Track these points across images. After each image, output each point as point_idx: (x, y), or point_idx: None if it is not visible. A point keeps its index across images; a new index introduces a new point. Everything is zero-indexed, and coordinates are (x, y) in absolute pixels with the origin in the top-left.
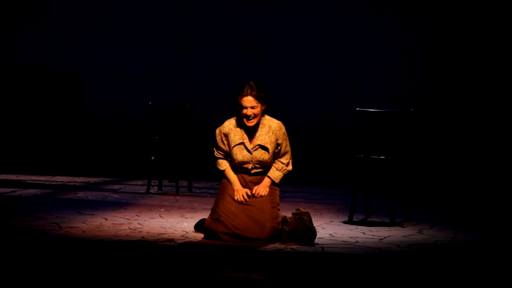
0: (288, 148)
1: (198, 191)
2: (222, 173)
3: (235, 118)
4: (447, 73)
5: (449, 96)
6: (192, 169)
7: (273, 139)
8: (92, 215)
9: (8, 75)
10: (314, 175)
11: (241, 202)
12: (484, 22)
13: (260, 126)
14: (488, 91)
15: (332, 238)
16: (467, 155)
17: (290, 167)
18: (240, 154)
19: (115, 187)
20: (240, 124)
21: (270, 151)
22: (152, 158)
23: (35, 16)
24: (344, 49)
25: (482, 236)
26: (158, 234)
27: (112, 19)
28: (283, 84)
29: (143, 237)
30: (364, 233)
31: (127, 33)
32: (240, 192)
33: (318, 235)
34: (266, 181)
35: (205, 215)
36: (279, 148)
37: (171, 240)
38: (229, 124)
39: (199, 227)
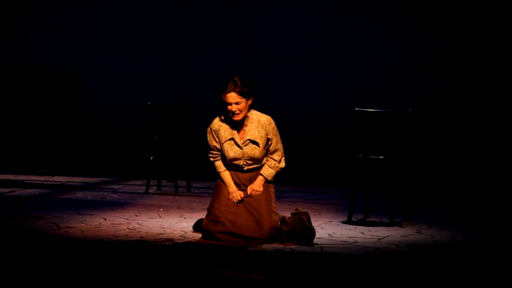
0: (280, 145)
1: (197, 191)
2: (218, 175)
3: (222, 116)
4: (447, 73)
5: (449, 96)
6: (191, 169)
7: (262, 133)
8: (91, 215)
9: (7, 75)
10: (313, 175)
11: (238, 202)
12: (484, 22)
13: (249, 121)
14: (488, 91)
15: (331, 238)
16: (466, 155)
17: (282, 164)
18: (231, 150)
19: (114, 187)
20: (229, 120)
21: (261, 146)
22: (151, 158)
23: (35, 16)
24: (344, 49)
25: (481, 236)
26: (157, 234)
27: (111, 19)
28: (283, 84)
29: (142, 237)
30: (363, 233)
31: (127, 33)
32: (235, 193)
33: (317, 235)
34: (260, 179)
35: (204, 215)
36: (269, 143)
37: (170, 240)
38: (218, 121)
39: (197, 227)
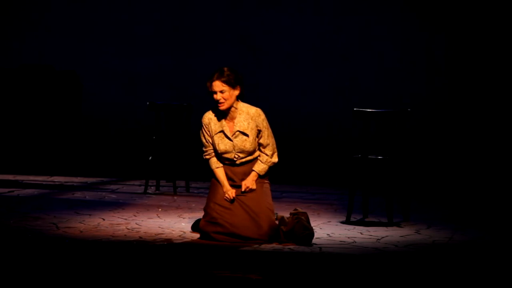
0: (271, 138)
1: (195, 191)
2: (213, 172)
3: (213, 108)
4: (447, 73)
5: (449, 96)
6: (189, 169)
7: (252, 125)
8: (89, 215)
9: (6, 75)
10: (312, 175)
11: (232, 201)
12: (484, 22)
13: (239, 113)
14: (488, 91)
15: (330, 238)
16: (466, 155)
17: (274, 159)
18: (221, 143)
19: (113, 187)
20: (218, 113)
21: (251, 137)
22: (150, 158)
23: (34, 16)
24: (344, 49)
25: (479, 236)
26: (155, 234)
27: (110, 19)
28: (283, 84)
29: (140, 237)
30: (361, 233)
31: (126, 33)
32: (228, 192)
33: (315, 235)
34: (252, 175)
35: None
36: (260, 135)
37: (168, 240)
38: (208, 115)
39: (196, 227)
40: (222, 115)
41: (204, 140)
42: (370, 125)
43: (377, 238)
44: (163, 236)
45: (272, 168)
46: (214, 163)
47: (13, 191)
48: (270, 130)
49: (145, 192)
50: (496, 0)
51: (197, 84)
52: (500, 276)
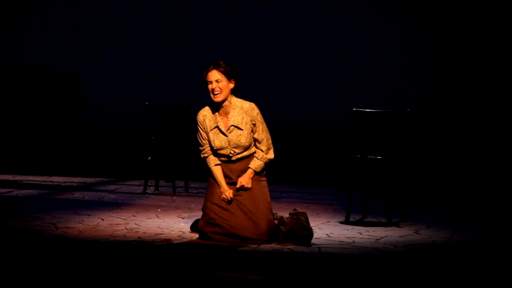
0: (266, 134)
1: (195, 191)
2: (210, 171)
3: (207, 106)
4: (447, 73)
5: (448, 96)
6: (189, 169)
7: (246, 120)
8: (88, 215)
9: (5, 75)
10: (311, 175)
11: (229, 201)
12: (484, 22)
13: (232, 107)
14: (487, 91)
15: (329, 238)
16: (465, 155)
17: (270, 155)
18: (217, 139)
19: (112, 187)
20: (213, 109)
21: (245, 131)
22: (149, 158)
23: (33, 16)
24: (344, 49)
25: (479, 236)
26: (154, 234)
27: (110, 19)
28: (282, 84)
29: (139, 237)
30: (360, 233)
31: (126, 33)
32: (225, 193)
33: (314, 235)
34: (248, 173)
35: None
36: (255, 130)
37: (167, 240)
38: (203, 112)
39: (195, 227)
40: (216, 111)
41: (200, 138)
42: (369, 125)
43: (376, 238)
44: (162, 236)
45: (269, 165)
46: (212, 161)
47: (12, 191)
48: (264, 125)
49: (144, 192)
50: (496, 0)
51: (197, 84)
52: (499, 276)
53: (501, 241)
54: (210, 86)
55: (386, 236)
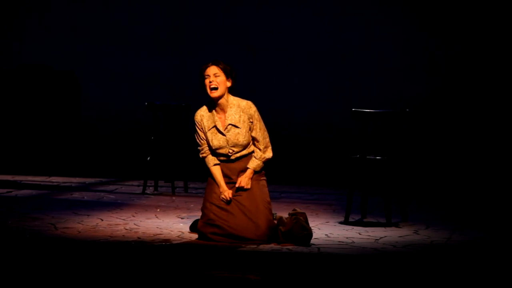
0: (263, 132)
1: (194, 192)
2: (209, 171)
3: (204, 106)
4: (447, 73)
5: (448, 96)
6: (188, 169)
7: (244, 118)
8: (88, 215)
9: (5, 75)
10: (311, 175)
11: (228, 202)
12: (484, 22)
13: (230, 106)
14: (487, 91)
15: (328, 238)
16: (465, 155)
17: (268, 155)
18: (215, 139)
19: (111, 187)
20: (210, 109)
21: (243, 129)
22: (148, 158)
23: (33, 16)
24: (344, 49)
25: (478, 236)
26: (154, 235)
27: (109, 19)
28: (282, 84)
29: (139, 238)
30: (360, 234)
31: (125, 33)
32: (224, 193)
33: (314, 236)
34: (248, 172)
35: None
36: (252, 128)
37: (167, 240)
38: (200, 112)
39: (194, 227)
40: (213, 110)
41: (198, 139)
42: (368, 125)
43: (376, 238)
44: (162, 237)
45: (269, 165)
46: (211, 161)
47: (11, 192)
48: (262, 123)
49: (143, 193)
50: (496, 0)
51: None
52: (499, 276)
53: (500, 241)
54: (207, 80)
55: (386, 236)
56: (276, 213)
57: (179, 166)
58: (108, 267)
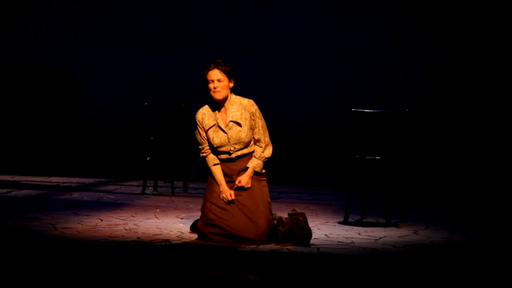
0: (264, 131)
1: (193, 192)
2: (209, 170)
3: (206, 105)
4: (447, 73)
5: (448, 96)
6: (187, 169)
7: (245, 115)
8: (87, 215)
9: (4, 75)
10: (310, 176)
11: (230, 202)
12: (484, 22)
13: (231, 104)
14: (487, 91)
15: (328, 238)
16: (465, 155)
17: (267, 153)
18: (216, 137)
19: (111, 187)
20: (212, 107)
21: (244, 127)
22: (148, 158)
23: (33, 16)
24: (344, 49)
25: (477, 236)
26: (153, 235)
27: (109, 19)
28: (282, 84)
29: (138, 238)
30: (359, 234)
31: (125, 33)
32: (225, 193)
33: (313, 236)
34: (248, 172)
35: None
36: (254, 126)
37: (166, 240)
38: (202, 110)
39: (194, 228)
40: (215, 109)
41: (199, 138)
42: (368, 125)
43: (375, 238)
44: (161, 237)
45: (268, 165)
46: (211, 160)
47: (11, 192)
48: (263, 121)
49: (143, 193)
50: (496, 0)
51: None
52: (498, 277)
53: (500, 241)
54: (211, 85)
55: (385, 236)
56: (276, 214)
57: (178, 166)
58: (108, 267)
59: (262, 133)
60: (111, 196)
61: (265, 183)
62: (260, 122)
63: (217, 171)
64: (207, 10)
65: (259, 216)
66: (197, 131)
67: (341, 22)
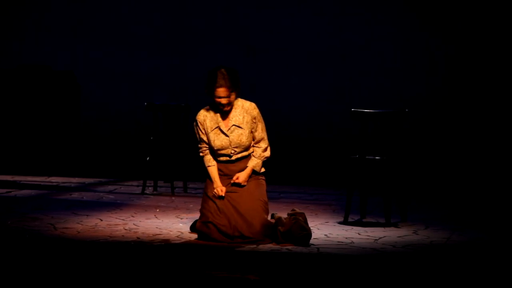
0: (265, 133)
1: (193, 192)
2: (206, 170)
3: (208, 105)
4: (447, 73)
5: (448, 96)
6: (187, 169)
7: (247, 119)
8: (87, 215)
9: (4, 75)
10: (310, 176)
11: (221, 197)
12: (484, 22)
13: (234, 107)
14: (487, 91)
15: (328, 238)
16: (465, 155)
17: (267, 154)
18: (217, 140)
19: (110, 187)
20: (214, 110)
21: (246, 131)
22: (148, 158)
23: (33, 16)
24: (344, 49)
25: (477, 236)
26: (153, 235)
27: (109, 19)
28: (282, 84)
29: (138, 238)
30: (359, 234)
31: (125, 33)
32: (218, 188)
33: (313, 236)
34: (247, 170)
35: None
36: (254, 128)
37: (166, 240)
38: (204, 112)
39: (194, 227)
40: (217, 111)
41: (198, 138)
42: (368, 125)
43: (375, 238)
44: (161, 237)
45: (268, 165)
46: (208, 160)
47: (10, 192)
48: (263, 123)
49: (142, 193)
50: (496, 0)
51: (195, 84)
52: (498, 277)
53: (500, 241)
54: (218, 100)
55: (385, 236)
56: (275, 213)
57: (178, 166)
58: (108, 267)
59: (263, 135)
60: (111, 196)
61: (263, 182)
62: (260, 125)
63: (213, 171)
64: (207, 10)
65: (253, 215)
66: (196, 131)
67: (341, 22)
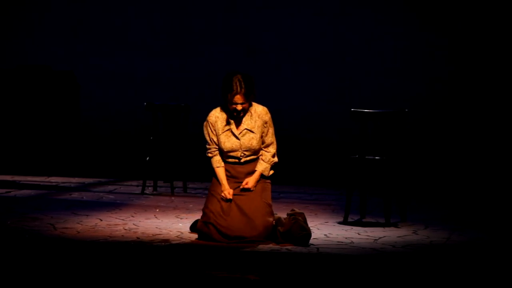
0: (274, 138)
1: (193, 192)
2: (214, 171)
3: (220, 107)
4: (447, 73)
5: (448, 97)
6: (187, 169)
7: (259, 123)
8: (87, 215)
9: (3, 75)
10: (310, 176)
11: (228, 200)
12: (484, 23)
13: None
14: (488, 91)
15: (327, 238)
16: (465, 155)
17: (276, 159)
18: (228, 142)
19: (110, 187)
20: (226, 112)
21: (257, 135)
22: (147, 158)
23: (33, 16)
24: (344, 49)
25: (477, 236)
26: (153, 235)
27: (108, 19)
28: (282, 84)
29: (138, 238)
30: (359, 234)
31: (124, 33)
32: (225, 192)
33: (313, 236)
34: (256, 174)
35: (200, 215)
36: (265, 133)
37: (166, 240)
38: (215, 113)
39: (194, 227)
40: (229, 114)
41: (208, 138)
42: (368, 125)
43: (375, 238)
44: (161, 237)
45: (276, 172)
46: (216, 162)
47: (10, 192)
48: (273, 128)
49: (142, 193)
50: (496, 1)
51: (195, 84)
52: (498, 277)
53: (500, 241)
54: (234, 106)
55: (385, 236)
56: (275, 214)
57: (178, 166)
58: (107, 267)
59: (272, 139)
60: (111, 196)
61: (269, 185)
62: (271, 130)
63: (220, 172)
64: (207, 10)
65: (257, 216)
66: (206, 132)
67: (341, 22)
